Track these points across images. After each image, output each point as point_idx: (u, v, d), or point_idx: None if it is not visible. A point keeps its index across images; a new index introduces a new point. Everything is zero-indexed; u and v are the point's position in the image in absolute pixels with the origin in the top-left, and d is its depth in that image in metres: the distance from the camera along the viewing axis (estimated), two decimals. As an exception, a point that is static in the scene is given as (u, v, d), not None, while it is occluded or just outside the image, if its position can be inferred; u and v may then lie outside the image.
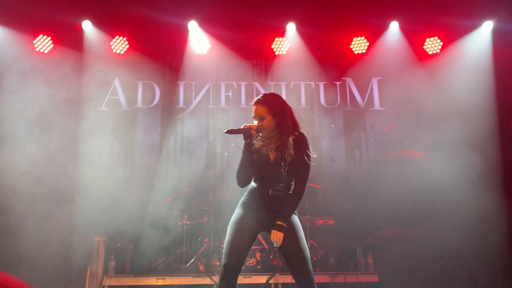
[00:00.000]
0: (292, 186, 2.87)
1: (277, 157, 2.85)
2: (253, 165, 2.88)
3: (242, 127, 2.89)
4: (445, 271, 4.54)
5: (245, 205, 2.93)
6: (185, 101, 7.04)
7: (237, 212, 2.92)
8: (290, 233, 2.76)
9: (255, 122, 2.91)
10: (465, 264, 4.52)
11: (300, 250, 2.76)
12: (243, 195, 3.04)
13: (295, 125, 2.95)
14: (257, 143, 2.92)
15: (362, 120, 7.12)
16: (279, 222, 2.74)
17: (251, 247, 2.91)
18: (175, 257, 5.27)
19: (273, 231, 2.74)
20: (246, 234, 2.83)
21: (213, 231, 5.39)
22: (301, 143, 2.86)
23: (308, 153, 2.85)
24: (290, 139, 2.86)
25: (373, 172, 6.63)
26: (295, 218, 2.86)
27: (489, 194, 4.83)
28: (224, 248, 2.84)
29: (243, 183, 2.93)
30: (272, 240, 2.76)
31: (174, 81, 7.08)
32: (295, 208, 2.82)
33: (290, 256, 2.78)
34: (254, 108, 2.94)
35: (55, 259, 4.69)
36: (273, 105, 2.94)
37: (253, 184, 2.95)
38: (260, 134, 2.89)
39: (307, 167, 2.85)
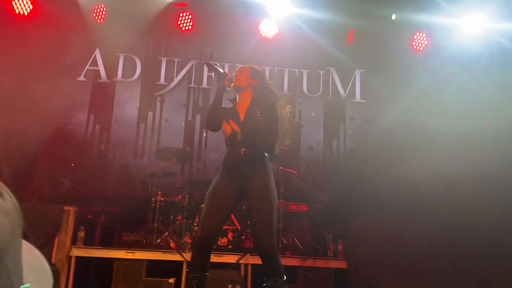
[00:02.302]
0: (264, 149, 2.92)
1: (247, 116, 2.93)
2: (219, 113, 2.95)
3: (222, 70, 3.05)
4: (411, 259, 4.65)
5: (219, 172, 2.96)
6: (166, 78, 6.94)
7: (213, 181, 2.93)
8: (263, 199, 2.78)
9: None
10: (430, 253, 4.64)
11: (266, 222, 2.76)
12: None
13: (271, 95, 3.05)
14: (233, 101, 3.08)
15: (342, 111, 7.18)
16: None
17: (230, 214, 2.94)
18: (146, 232, 5.22)
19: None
20: (222, 202, 2.84)
21: (187, 209, 5.36)
22: (271, 107, 2.94)
23: (277, 116, 2.91)
24: (262, 101, 2.96)
25: (349, 163, 6.71)
26: (267, 182, 2.85)
27: (467, 183, 4.91)
28: (200, 219, 2.83)
29: (210, 127, 3.02)
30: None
31: (156, 56, 6.96)
32: (264, 147, 2.90)
33: (257, 225, 2.79)
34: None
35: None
36: (256, 69, 3.10)
37: (226, 149, 2.98)
38: (233, 82, 3.00)
39: (276, 129, 2.91)
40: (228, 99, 3.14)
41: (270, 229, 2.76)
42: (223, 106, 3.04)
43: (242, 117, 2.94)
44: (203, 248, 2.81)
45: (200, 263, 2.78)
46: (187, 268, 2.84)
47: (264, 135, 2.87)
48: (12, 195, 0.60)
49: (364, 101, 7.10)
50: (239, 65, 6.83)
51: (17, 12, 6.12)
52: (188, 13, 6.66)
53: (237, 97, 3.09)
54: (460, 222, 4.66)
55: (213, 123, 2.98)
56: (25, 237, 0.82)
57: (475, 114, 5.58)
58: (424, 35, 6.74)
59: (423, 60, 6.67)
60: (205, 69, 7.02)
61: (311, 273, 4.74)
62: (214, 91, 3.07)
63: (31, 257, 0.77)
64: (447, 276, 4.53)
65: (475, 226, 4.74)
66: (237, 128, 2.83)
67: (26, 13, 6.13)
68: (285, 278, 2.81)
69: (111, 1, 6.44)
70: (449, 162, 5.25)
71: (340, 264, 4.88)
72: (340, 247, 5.08)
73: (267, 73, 7.00)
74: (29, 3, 6.14)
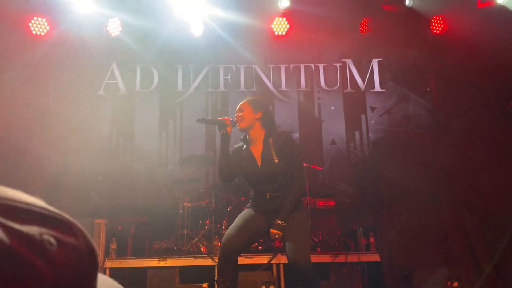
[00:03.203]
0: (289, 183, 2.85)
1: (263, 161, 2.84)
2: (231, 164, 2.86)
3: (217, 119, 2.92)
4: (445, 248, 4.55)
5: (249, 209, 2.96)
6: (183, 85, 6.99)
7: (244, 212, 2.95)
8: (290, 227, 2.75)
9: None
10: (464, 239, 4.52)
11: (299, 241, 2.75)
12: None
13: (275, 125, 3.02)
14: (244, 141, 2.96)
15: (362, 102, 7.09)
16: (278, 221, 2.73)
17: (256, 240, 2.97)
18: (176, 240, 5.27)
19: (271, 230, 2.75)
20: (251, 225, 2.87)
21: (214, 213, 5.39)
22: (286, 141, 2.87)
23: (295, 149, 2.89)
24: (275, 139, 2.87)
25: (373, 154, 6.61)
26: (298, 214, 2.83)
27: (499, 169, 4.78)
28: (225, 236, 2.85)
29: (224, 178, 2.91)
30: (271, 238, 2.80)
31: (172, 64, 7.02)
32: (293, 205, 2.79)
33: (288, 246, 2.76)
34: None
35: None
36: (255, 100, 2.99)
37: (252, 189, 3.00)
38: (236, 125, 2.88)
39: (298, 163, 2.90)
40: (240, 139, 3.03)
41: (303, 251, 2.73)
42: (235, 146, 2.98)
43: (259, 163, 2.86)
44: (229, 257, 2.82)
45: (227, 270, 2.79)
46: (216, 275, 2.84)
47: (285, 175, 2.83)
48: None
49: (383, 90, 6.99)
50: (254, 66, 6.94)
51: (34, 33, 6.25)
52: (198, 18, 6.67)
53: (247, 136, 2.95)
54: (490, 206, 4.54)
55: (227, 175, 2.89)
56: None
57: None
58: (441, 18, 6.56)
59: (439, 43, 6.51)
60: (221, 72, 7.04)
61: (344, 268, 4.69)
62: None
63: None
64: (483, 260, 4.42)
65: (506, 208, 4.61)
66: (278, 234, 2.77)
67: (43, 34, 6.24)
68: (319, 282, 2.81)
69: (124, 13, 6.52)
70: (476, 145, 5.12)
71: (373, 258, 4.81)
72: (371, 240, 5.01)
73: (283, 71, 7.04)
74: (45, 24, 6.26)
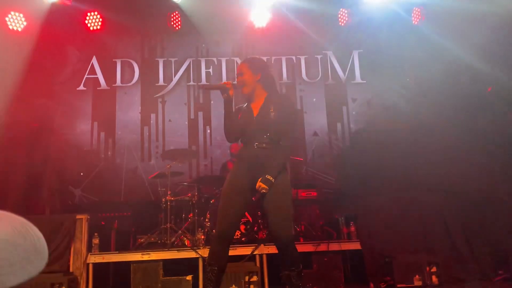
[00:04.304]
0: (278, 141, 2.89)
1: (260, 111, 2.91)
2: (235, 123, 2.94)
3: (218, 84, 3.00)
4: (424, 234, 4.65)
5: (233, 168, 2.98)
6: (165, 79, 6.96)
7: (229, 176, 2.95)
8: (275, 191, 2.78)
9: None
10: (443, 226, 4.63)
11: (281, 208, 2.78)
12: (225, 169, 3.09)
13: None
14: (247, 100, 3.01)
15: (343, 94, 7.15)
16: (268, 176, 2.75)
17: (247, 206, 2.96)
18: (160, 233, 5.27)
19: (259, 182, 2.75)
20: (239, 195, 2.86)
21: (197, 206, 5.40)
22: (286, 101, 2.95)
23: (294, 112, 2.94)
24: (276, 98, 2.93)
25: (355, 144, 6.70)
26: (283, 179, 2.85)
27: (478, 157, 4.88)
28: (219, 212, 2.86)
29: (230, 138, 3.03)
30: (256, 189, 2.78)
31: (153, 58, 6.98)
32: (281, 163, 2.83)
33: (270, 214, 2.80)
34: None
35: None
36: (254, 62, 3.03)
37: (241, 144, 3.00)
38: (238, 87, 2.95)
39: (292, 125, 2.93)
40: (243, 97, 3.09)
41: (285, 218, 2.78)
42: (238, 106, 3.06)
43: (255, 113, 2.92)
44: (223, 241, 2.84)
45: (219, 256, 2.82)
46: (205, 262, 2.87)
47: (276, 129, 2.85)
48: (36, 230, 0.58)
49: (364, 81, 7.06)
50: (235, 59, 6.94)
51: (10, 28, 6.15)
52: (176, 13, 6.65)
53: (252, 97, 3.02)
54: (472, 192, 4.64)
55: (232, 134, 2.98)
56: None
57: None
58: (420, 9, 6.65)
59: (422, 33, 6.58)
60: (203, 65, 7.03)
61: (326, 257, 4.75)
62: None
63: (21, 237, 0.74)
64: (462, 247, 4.53)
65: (487, 194, 4.73)
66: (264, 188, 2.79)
67: (20, 29, 6.14)
68: (301, 267, 2.83)
69: (104, 7, 6.46)
70: (455, 133, 5.22)
71: (354, 246, 4.88)
72: (352, 228, 5.08)
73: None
74: (23, 19, 6.16)
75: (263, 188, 2.73)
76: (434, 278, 4.32)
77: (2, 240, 0.67)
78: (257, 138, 2.86)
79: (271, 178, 2.74)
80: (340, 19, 6.64)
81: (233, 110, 3.00)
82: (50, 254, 4.66)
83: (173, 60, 7.00)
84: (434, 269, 4.34)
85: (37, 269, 0.73)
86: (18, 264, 0.70)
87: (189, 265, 4.72)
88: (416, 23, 6.60)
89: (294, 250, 2.82)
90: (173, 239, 5.12)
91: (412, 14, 6.66)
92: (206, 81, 7.01)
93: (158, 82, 6.93)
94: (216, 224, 2.89)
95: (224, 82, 2.96)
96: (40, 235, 0.75)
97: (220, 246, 2.83)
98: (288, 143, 2.89)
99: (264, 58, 6.83)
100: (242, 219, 5.20)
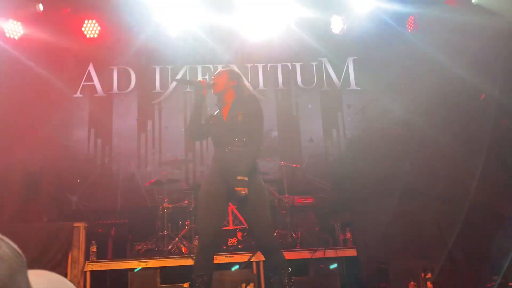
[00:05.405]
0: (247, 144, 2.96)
1: (228, 115, 3.00)
2: (199, 124, 3.08)
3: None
4: (419, 241, 4.69)
5: (207, 174, 3.04)
6: (161, 85, 6.99)
7: (204, 183, 3.01)
8: (251, 198, 2.83)
9: None
10: (438, 233, 4.68)
11: (260, 217, 2.85)
12: None
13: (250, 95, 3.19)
14: (218, 105, 3.11)
15: (338, 100, 7.21)
16: (239, 177, 2.79)
17: (227, 213, 3.02)
18: (157, 241, 5.30)
19: (236, 188, 2.79)
20: (217, 204, 2.91)
21: (194, 213, 5.43)
22: (252, 102, 3.05)
23: (258, 112, 3.00)
24: (243, 100, 3.03)
25: (350, 150, 6.75)
26: (257, 184, 2.90)
27: (472, 164, 4.93)
28: (199, 224, 2.92)
29: (192, 136, 3.20)
30: (237, 196, 2.83)
31: (149, 65, 7.01)
32: (249, 161, 2.88)
33: (251, 224, 2.91)
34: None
35: (35, 246, 4.66)
36: (233, 71, 3.18)
37: (214, 150, 3.06)
38: (211, 88, 3.05)
39: (258, 125, 2.99)
40: (215, 103, 3.18)
41: (266, 224, 2.84)
42: (212, 114, 3.14)
43: (225, 118, 3.02)
44: (207, 252, 2.88)
45: (206, 266, 2.85)
46: (193, 275, 2.88)
47: (245, 131, 2.92)
48: (9, 241, 0.64)
49: (359, 88, 7.12)
50: (232, 66, 6.97)
51: (7, 36, 6.16)
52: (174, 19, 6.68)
53: (221, 100, 3.12)
54: (465, 199, 4.70)
55: (195, 134, 3.15)
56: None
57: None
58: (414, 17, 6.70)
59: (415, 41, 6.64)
60: (199, 72, 7.07)
61: (323, 263, 4.79)
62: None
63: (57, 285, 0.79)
64: (456, 253, 4.58)
65: (481, 201, 4.78)
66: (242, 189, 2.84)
67: (16, 38, 6.16)
68: (290, 269, 2.87)
69: (101, 16, 6.49)
70: (449, 140, 5.28)
71: (350, 252, 4.93)
72: (348, 235, 5.13)
73: (260, 71, 7.11)
74: (20, 27, 6.17)
75: (241, 191, 2.78)
76: (429, 284, 4.36)
77: None
78: (228, 142, 2.94)
79: (243, 178, 2.79)
80: (335, 26, 6.70)
81: (202, 112, 3.13)
82: (47, 262, 4.69)
83: (169, 67, 7.03)
84: (429, 275, 4.39)
85: None
86: None
87: (186, 272, 4.74)
88: (410, 31, 6.67)
89: (279, 254, 2.90)
90: (170, 246, 5.15)
91: (407, 23, 6.73)
92: (180, 86, 7.00)
93: (154, 89, 6.96)
94: (199, 235, 2.94)
95: (200, 80, 3.10)
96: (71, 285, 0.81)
97: (207, 256, 2.87)
98: (256, 143, 2.96)
99: (260, 65, 7.01)
100: (239, 226, 5.23)
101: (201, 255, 2.88)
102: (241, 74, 3.23)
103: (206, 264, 2.85)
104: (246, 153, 2.88)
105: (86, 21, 6.50)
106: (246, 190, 2.78)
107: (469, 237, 4.71)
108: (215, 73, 3.17)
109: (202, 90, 3.06)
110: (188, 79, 6.81)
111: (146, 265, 4.76)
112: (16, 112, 5.99)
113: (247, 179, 2.79)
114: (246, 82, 3.24)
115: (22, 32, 6.17)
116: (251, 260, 4.77)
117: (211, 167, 3.04)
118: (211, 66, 7.09)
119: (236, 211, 4.94)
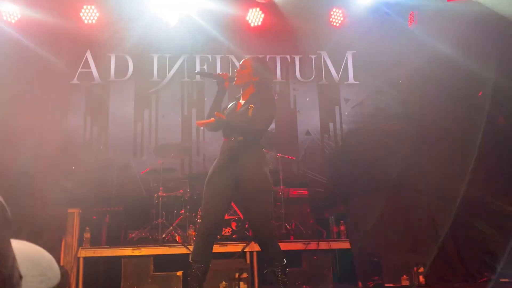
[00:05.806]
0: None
1: (242, 107, 3.00)
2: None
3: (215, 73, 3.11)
4: (412, 235, 4.73)
5: (215, 162, 3.02)
6: (159, 74, 6.95)
7: (210, 172, 2.99)
8: (253, 187, 2.84)
9: None
10: (431, 227, 4.71)
11: (259, 205, 2.83)
12: None
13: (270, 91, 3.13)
14: (237, 98, 3.09)
15: (336, 94, 7.21)
16: (217, 113, 2.81)
17: (230, 203, 3.01)
18: (151, 229, 5.30)
19: (216, 114, 2.81)
20: (221, 193, 2.90)
21: (189, 202, 5.43)
22: (268, 102, 2.99)
23: (270, 105, 2.97)
24: (260, 94, 3.00)
25: (346, 144, 6.75)
26: (262, 174, 2.89)
27: (468, 160, 4.94)
28: (202, 211, 2.91)
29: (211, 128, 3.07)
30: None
31: (147, 53, 6.95)
32: (240, 128, 2.89)
33: (249, 211, 2.88)
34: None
35: (29, 231, 4.64)
36: (259, 65, 3.09)
37: (223, 140, 3.06)
38: (234, 81, 3.02)
39: (266, 116, 2.96)
40: (235, 97, 3.18)
41: (264, 215, 2.83)
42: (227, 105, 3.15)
43: (238, 108, 3.02)
44: (207, 240, 2.88)
45: (205, 253, 2.85)
46: (191, 259, 2.90)
47: (251, 124, 2.90)
48: None
49: (357, 82, 7.12)
50: (230, 56, 6.96)
51: (5, 19, 6.10)
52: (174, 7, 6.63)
53: (241, 91, 3.12)
54: (459, 194, 4.73)
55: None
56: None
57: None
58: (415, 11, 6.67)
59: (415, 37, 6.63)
60: (198, 61, 7.03)
61: (316, 255, 4.81)
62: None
63: (37, 255, 0.92)
64: (449, 248, 4.61)
65: (475, 196, 4.81)
66: (205, 123, 2.87)
67: (13, 21, 6.11)
68: (285, 262, 2.87)
69: (100, 1, 6.43)
70: (445, 136, 5.30)
71: (344, 245, 4.96)
72: (342, 228, 5.15)
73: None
74: (17, 11, 6.11)
75: (206, 122, 2.83)
76: (421, 278, 4.40)
77: (26, 258, 0.85)
78: (234, 133, 2.94)
79: (222, 116, 2.80)
80: (334, 20, 6.68)
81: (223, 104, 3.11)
82: (41, 247, 4.66)
83: (167, 55, 6.99)
84: (421, 269, 4.42)
85: (52, 283, 0.90)
86: (38, 277, 0.87)
87: (180, 261, 4.75)
88: (410, 25, 6.66)
89: (275, 246, 2.88)
90: (164, 235, 5.15)
91: (407, 18, 6.71)
92: (200, 78, 6.98)
93: (152, 78, 6.92)
94: (201, 221, 2.93)
95: (222, 73, 3.04)
96: (51, 257, 0.96)
97: (206, 242, 2.87)
98: (257, 129, 2.92)
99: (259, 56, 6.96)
100: (233, 216, 5.24)
101: (200, 241, 2.88)
102: (267, 69, 3.15)
103: (205, 251, 2.85)
104: (243, 125, 2.88)
105: (84, 6, 6.44)
106: (207, 123, 2.83)
107: (461, 232, 4.75)
108: (240, 63, 3.12)
109: (224, 83, 3.03)
110: (209, 72, 6.74)
111: (140, 252, 4.76)
112: (11, 97, 5.94)
113: (220, 122, 2.80)
114: (269, 77, 3.16)
115: (19, 15, 6.11)
116: (245, 250, 4.78)
117: (219, 155, 3.03)
118: (209, 55, 7.05)
119: (232, 203, 4.96)
